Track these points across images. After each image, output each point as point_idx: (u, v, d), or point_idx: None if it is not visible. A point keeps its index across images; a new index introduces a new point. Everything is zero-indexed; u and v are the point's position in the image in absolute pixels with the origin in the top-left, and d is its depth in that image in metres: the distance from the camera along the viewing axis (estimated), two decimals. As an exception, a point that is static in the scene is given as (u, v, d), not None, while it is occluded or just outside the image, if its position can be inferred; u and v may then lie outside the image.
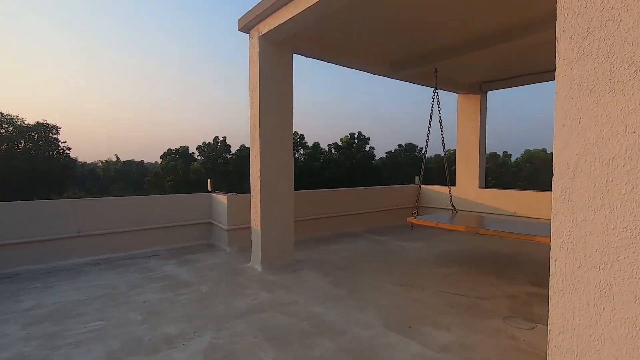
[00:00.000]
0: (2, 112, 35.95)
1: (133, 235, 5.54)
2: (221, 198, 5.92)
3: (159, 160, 43.31)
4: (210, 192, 6.64)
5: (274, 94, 4.65)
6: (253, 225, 4.79)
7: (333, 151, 45.13)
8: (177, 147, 42.94)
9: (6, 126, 35.24)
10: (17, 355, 2.59)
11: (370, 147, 45.39)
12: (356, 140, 45.22)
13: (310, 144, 44.57)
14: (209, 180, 7.26)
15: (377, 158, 46.30)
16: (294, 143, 6.78)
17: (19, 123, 35.89)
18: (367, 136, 45.66)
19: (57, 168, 35.73)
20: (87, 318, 3.24)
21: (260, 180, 4.61)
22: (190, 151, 43.08)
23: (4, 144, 34.09)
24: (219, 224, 5.92)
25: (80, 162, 51.13)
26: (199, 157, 42.88)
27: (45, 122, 36.89)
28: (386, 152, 47.37)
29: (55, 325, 3.08)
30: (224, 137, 43.13)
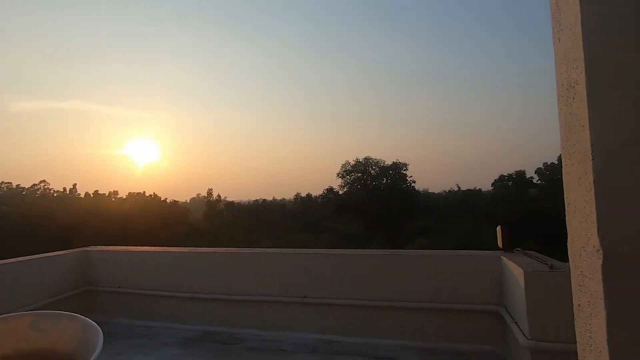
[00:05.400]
0: (372, 157, 48.14)
1: (370, 312, 3.57)
2: (515, 269, 3.05)
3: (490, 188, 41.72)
4: (501, 249, 3.68)
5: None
6: (583, 353, 1.47)
7: None
8: (512, 171, 40.81)
9: (375, 168, 47.97)
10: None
11: None
12: None
13: None
14: (498, 229, 3.79)
15: None
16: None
17: (381, 164, 47.98)
18: None
19: (406, 199, 44.66)
20: None
21: (602, 246, 1.24)
22: (528, 175, 39.20)
23: (373, 182, 47.44)
24: (512, 325, 3.08)
25: (432, 192, 57.33)
26: (538, 182, 38.52)
27: (398, 161, 47.10)
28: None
29: None
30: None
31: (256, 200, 61.70)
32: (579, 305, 1.57)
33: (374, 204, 44.30)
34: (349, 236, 38.18)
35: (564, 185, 1.63)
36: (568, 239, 1.65)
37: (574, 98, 1.51)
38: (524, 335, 2.77)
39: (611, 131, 1.39)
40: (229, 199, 57.48)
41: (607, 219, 1.38)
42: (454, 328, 3.46)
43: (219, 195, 52.27)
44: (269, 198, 64.01)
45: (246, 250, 4.02)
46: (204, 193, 53.85)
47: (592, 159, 1.40)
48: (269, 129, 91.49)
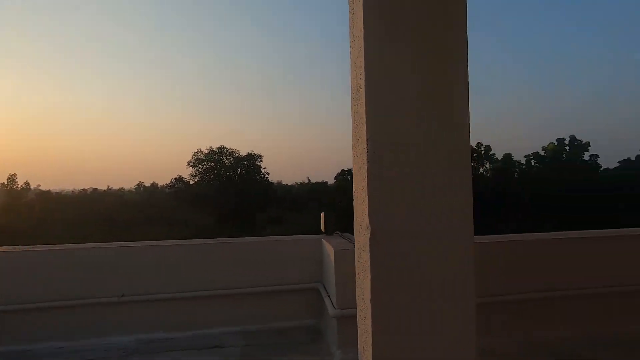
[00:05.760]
0: (226, 146, 46.80)
1: (195, 304, 3.52)
2: (329, 249, 3.43)
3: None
4: (323, 233, 4.02)
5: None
6: (359, 313, 1.97)
7: (533, 163, 34.64)
8: (351, 167, 33.24)
9: (229, 158, 46.88)
10: None
11: (592, 156, 34.55)
12: (567, 148, 34.63)
13: (499, 155, 34.66)
14: (322, 215, 4.12)
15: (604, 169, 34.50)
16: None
17: (236, 155, 47.17)
18: (584, 141, 34.98)
19: (260, 190, 45.00)
20: None
21: (371, 223, 1.58)
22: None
23: (227, 172, 47.07)
24: (326, 299, 3.43)
25: (285, 184, 57.06)
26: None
27: (253, 152, 46.59)
28: (620, 162, 34.57)
29: None
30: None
31: (84, 189, 52.29)
32: (357, 274, 1.87)
33: (228, 195, 43.52)
34: (202, 228, 36.42)
35: (352, 173, 1.90)
36: (354, 219, 1.93)
37: (359, 100, 1.77)
38: (333, 306, 3.17)
39: (383, 128, 1.69)
40: (44, 187, 46.93)
41: (375, 201, 1.67)
42: (280, 308, 3.73)
43: (26, 183, 41.75)
44: (103, 187, 55.14)
45: (47, 247, 3.31)
46: (2, 179, 42.26)
47: (367, 151, 1.67)
48: (97, 108, 78.05)
